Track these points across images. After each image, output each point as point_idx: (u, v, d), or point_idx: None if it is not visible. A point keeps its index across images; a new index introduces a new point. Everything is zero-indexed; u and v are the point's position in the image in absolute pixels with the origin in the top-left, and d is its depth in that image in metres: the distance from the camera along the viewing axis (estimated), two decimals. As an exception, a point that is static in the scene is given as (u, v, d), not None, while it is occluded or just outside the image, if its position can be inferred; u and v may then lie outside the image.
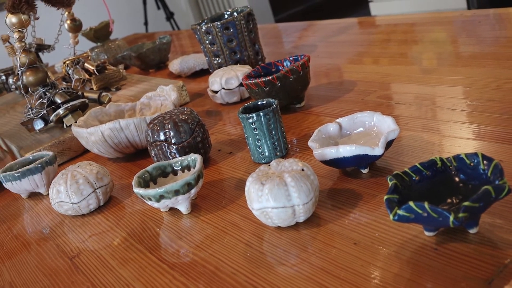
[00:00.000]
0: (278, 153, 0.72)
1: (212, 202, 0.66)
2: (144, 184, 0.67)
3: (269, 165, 0.58)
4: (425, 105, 0.77)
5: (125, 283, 0.55)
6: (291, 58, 0.92)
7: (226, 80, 0.99)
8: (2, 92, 1.70)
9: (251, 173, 0.57)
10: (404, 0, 3.18)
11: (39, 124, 1.03)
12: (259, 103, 0.73)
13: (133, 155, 0.90)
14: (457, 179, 0.50)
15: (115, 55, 1.63)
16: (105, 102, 1.09)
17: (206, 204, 0.66)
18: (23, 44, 0.98)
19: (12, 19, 0.94)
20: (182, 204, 0.64)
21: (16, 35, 0.96)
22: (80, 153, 0.99)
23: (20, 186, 0.81)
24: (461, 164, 0.50)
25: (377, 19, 1.45)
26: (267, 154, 0.71)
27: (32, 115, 1.04)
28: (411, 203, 0.43)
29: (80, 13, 1.33)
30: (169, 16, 3.84)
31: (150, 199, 0.63)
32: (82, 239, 0.67)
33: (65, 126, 1.02)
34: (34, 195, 0.86)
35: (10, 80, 1.59)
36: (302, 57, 0.89)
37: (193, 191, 0.63)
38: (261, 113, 0.69)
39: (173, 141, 0.74)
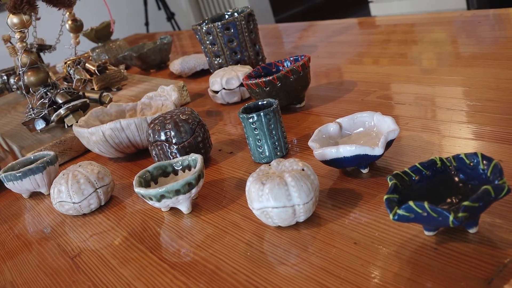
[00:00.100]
0: (278, 153, 0.72)
1: (213, 201, 0.67)
2: (145, 183, 0.67)
3: (270, 165, 0.58)
4: (425, 105, 0.77)
5: (126, 282, 0.55)
6: (291, 58, 0.92)
7: (227, 80, 1.00)
8: (4, 92, 1.70)
9: (252, 173, 0.58)
10: (404, 1, 3.17)
11: (40, 124, 1.03)
12: (260, 103, 0.73)
13: (134, 155, 0.90)
14: (456, 179, 0.50)
15: (116, 55, 1.63)
16: (106, 102, 1.09)
17: (206, 204, 0.66)
18: (24, 44, 0.98)
19: (14, 19, 0.94)
20: (183, 203, 0.64)
21: (17, 36, 0.96)
22: (81, 153, 0.99)
23: (21, 186, 0.81)
24: (460, 164, 0.50)
25: (377, 19, 1.45)
26: (267, 154, 0.71)
27: (33, 115, 1.04)
28: (411, 203, 0.43)
29: (81, 13, 1.33)
30: (170, 16, 3.84)
31: (151, 199, 0.63)
32: (83, 238, 0.67)
33: (66, 126, 1.02)
34: (35, 195, 0.86)
35: (12, 80, 1.59)
36: (302, 57, 0.89)
37: (193, 190, 0.63)
38: (262, 113, 0.69)
39: (174, 141, 0.74)
